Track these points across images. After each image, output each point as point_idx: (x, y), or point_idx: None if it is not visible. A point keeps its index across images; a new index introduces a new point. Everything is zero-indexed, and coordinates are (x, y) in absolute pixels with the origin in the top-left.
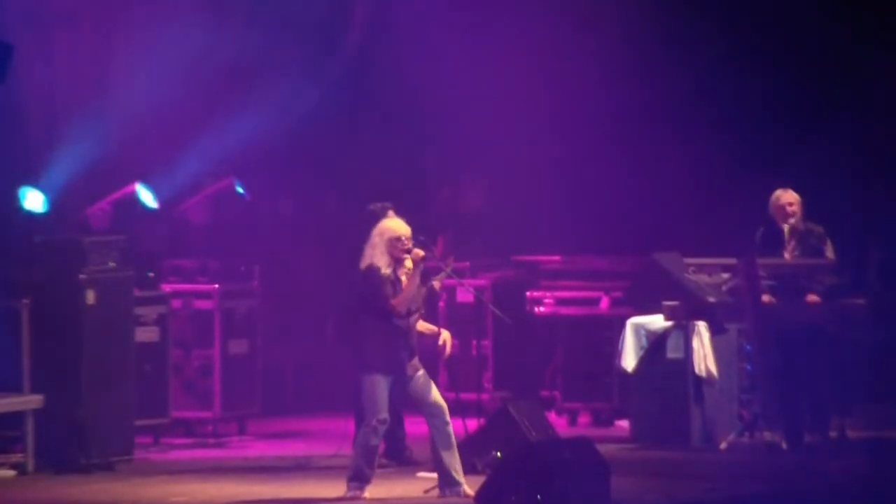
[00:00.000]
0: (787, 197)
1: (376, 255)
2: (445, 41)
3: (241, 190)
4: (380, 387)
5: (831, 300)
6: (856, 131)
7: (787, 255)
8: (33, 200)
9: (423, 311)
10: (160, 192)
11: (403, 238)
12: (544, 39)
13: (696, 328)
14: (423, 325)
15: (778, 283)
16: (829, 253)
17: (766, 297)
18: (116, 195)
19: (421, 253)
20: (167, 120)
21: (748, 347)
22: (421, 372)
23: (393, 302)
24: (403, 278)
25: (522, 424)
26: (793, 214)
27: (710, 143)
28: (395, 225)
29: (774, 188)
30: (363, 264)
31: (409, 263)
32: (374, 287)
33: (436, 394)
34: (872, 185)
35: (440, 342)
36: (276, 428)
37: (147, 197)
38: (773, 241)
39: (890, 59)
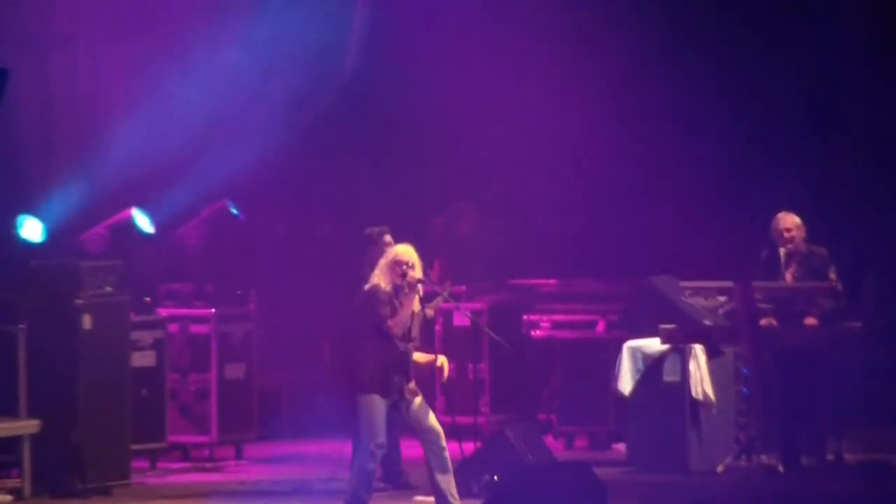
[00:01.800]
0: (786, 221)
1: (378, 276)
2: (441, 67)
3: (234, 211)
4: (377, 411)
5: (828, 324)
6: (855, 155)
7: (788, 278)
8: (30, 229)
9: (417, 344)
10: (156, 217)
11: (403, 264)
12: (539, 65)
13: (692, 351)
14: (419, 356)
15: (775, 307)
16: (833, 275)
17: (766, 321)
18: (112, 220)
19: (416, 276)
20: (163, 144)
21: (745, 370)
22: (419, 396)
23: (389, 323)
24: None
25: (519, 448)
26: (791, 239)
27: (706, 167)
28: (400, 249)
29: (772, 212)
30: (368, 285)
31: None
32: (372, 306)
33: (432, 419)
34: (870, 209)
35: (437, 365)
36: (272, 452)
37: (143, 222)
38: (776, 264)
39: (890, 81)
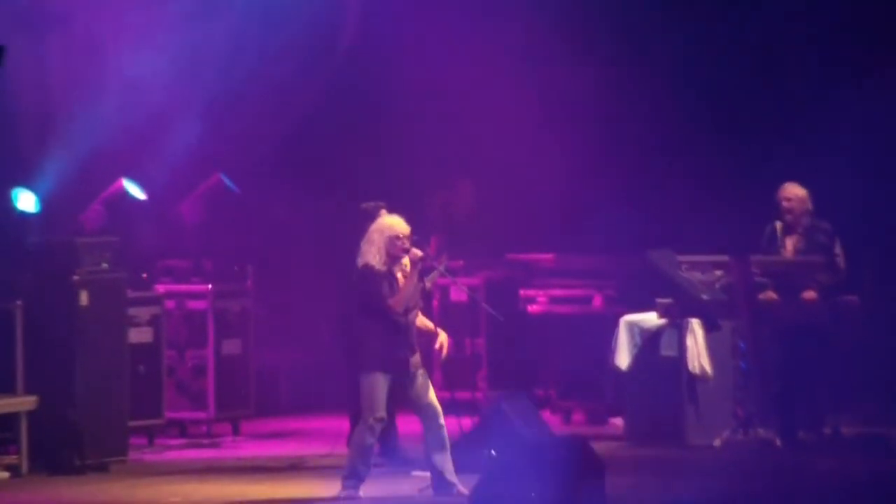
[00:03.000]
0: (786, 191)
1: (373, 253)
2: (439, 44)
3: (229, 183)
4: (379, 386)
5: (826, 298)
6: (855, 131)
7: (788, 249)
8: (26, 201)
9: (421, 305)
10: (151, 189)
11: (403, 237)
12: (538, 43)
13: (689, 326)
14: (421, 321)
15: (773, 281)
16: (838, 250)
17: (765, 294)
18: (105, 194)
19: (419, 252)
20: (160, 122)
21: (742, 345)
22: (421, 371)
23: (390, 301)
24: (399, 276)
25: (516, 422)
26: (789, 210)
27: (703, 142)
28: (395, 223)
29: (771, 187)
30: (360, 262)
31: (405, 262)
32: (370, 286)
33: (432, 396)
34: (870, 184)
35: (437, 346)
36: (269, 428)
37: (135, 190)
38: (776, 237)
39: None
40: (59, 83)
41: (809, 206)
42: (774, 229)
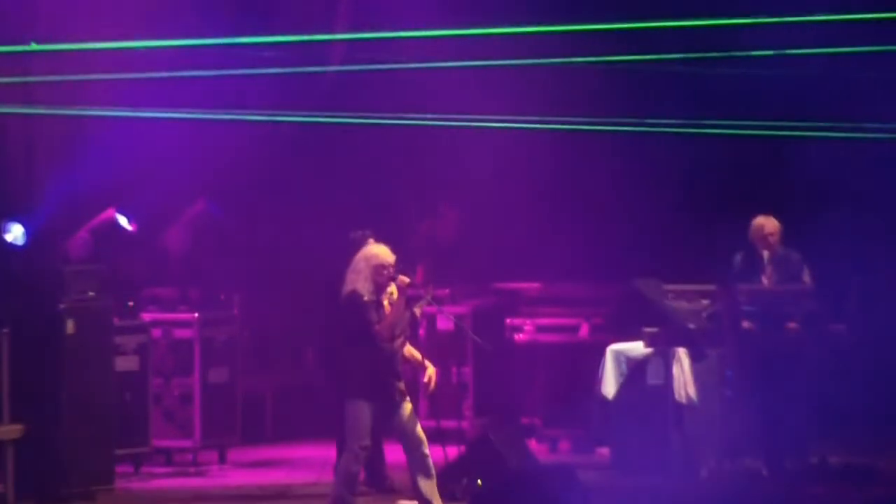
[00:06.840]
0: (769, 226)
1: (360, 281)
2: (424, 71)
3: (214, 209)
4: (364, 414)
5: (812, 326)
6: (839, 158)
7: (765, 281)
8: (14, 234)
9: (407, 334)
10: (138, 218)
11: (389, 265)
12: (523, 72)
13: (676, 354)
14: (408, 351)
15: (757, 310)
16: (806, 278)
17: (746, 324)
18: (94, 222)
19: (406, 279)
20: (146, 150)
21: (729, 373)
22: (407, 401)
23: (377, 327)
24: (386, 303)
25: (503, 451)
26: (774, 244)
27: (689, 170)
28: (381, 252)
29: (753, 214)
30: (346, 290)
31: (392, 289)
32: (358, 313)
33: (417, 426)
34: (855, 212)
35: (425, 379)
36: (256, 456)
37: (123, 221)
38: (752, 267)
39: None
40: (46, 109)
41: (780, 236)
42: (754, 257)
